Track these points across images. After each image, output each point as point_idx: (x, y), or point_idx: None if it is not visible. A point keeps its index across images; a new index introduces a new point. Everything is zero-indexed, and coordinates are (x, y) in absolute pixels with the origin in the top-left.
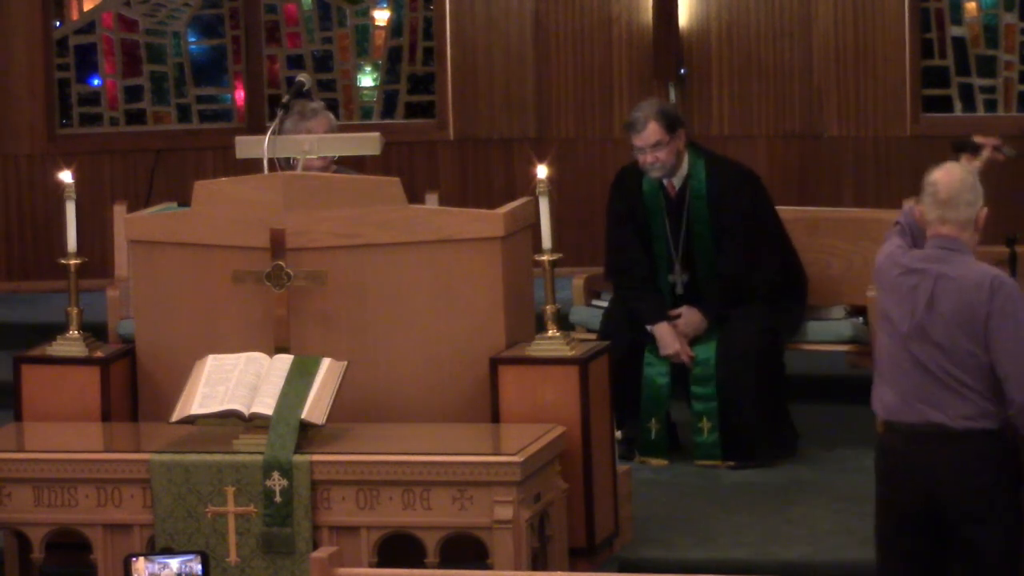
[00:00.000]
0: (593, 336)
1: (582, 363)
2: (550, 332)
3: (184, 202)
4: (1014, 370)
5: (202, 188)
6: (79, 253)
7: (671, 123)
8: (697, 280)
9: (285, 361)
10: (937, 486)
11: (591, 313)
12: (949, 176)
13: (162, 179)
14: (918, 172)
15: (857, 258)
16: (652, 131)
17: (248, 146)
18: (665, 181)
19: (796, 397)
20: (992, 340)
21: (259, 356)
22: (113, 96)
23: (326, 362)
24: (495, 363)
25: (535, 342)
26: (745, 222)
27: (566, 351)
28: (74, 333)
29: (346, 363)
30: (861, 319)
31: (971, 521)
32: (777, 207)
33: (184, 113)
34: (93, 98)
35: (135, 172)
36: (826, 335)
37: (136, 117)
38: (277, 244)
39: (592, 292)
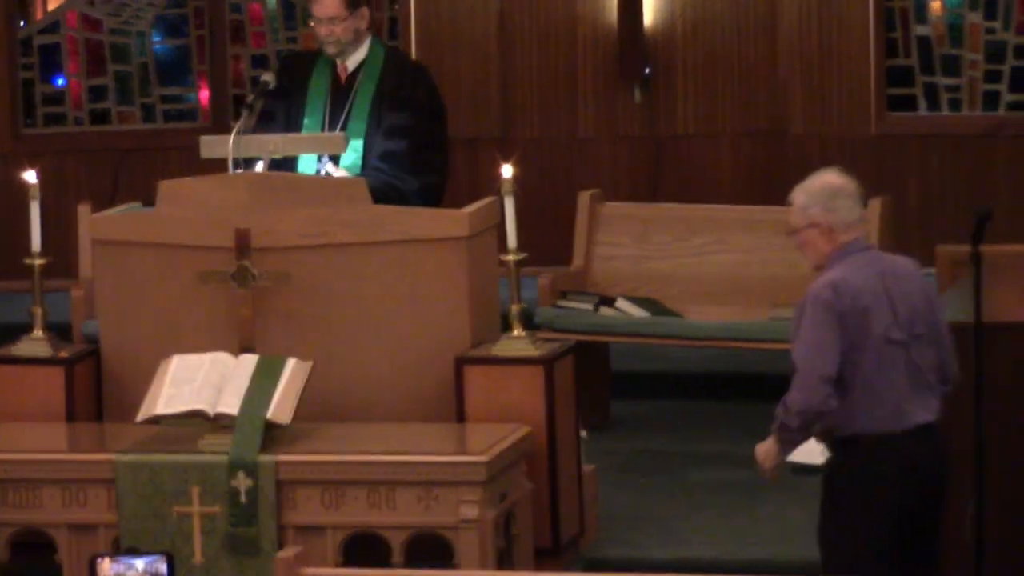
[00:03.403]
0: (558, 336)
1: (547, 363)
2: (515, 332)
3: (149, 202)
4: (950, 345)
5: (167, 188)
6: (43, 253)
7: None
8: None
9: (250, 361)
10: (938, 480)
11: (556, 313)
12: (844, 176)
13: (127, 179)
14: (883, 171)
15: None
16: (331, 4)
17: (213, 146)
18: (338, 63)
19: (761, 396)
20: (940, 322)
21: (224, 356)
22: (77, 96)
23: (291, 362)
24: (460, 363)
25: (500, 342)
26: (415, 120)
27: (531, 351)
28: (38, 333)
29: (311, 363)
30: None
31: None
32: (743, 206)
33: (149, 113)
34: (57, 98)
35: (100, 172)
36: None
37: (101, 117)
38: (242, 244)
39: (557, 292)
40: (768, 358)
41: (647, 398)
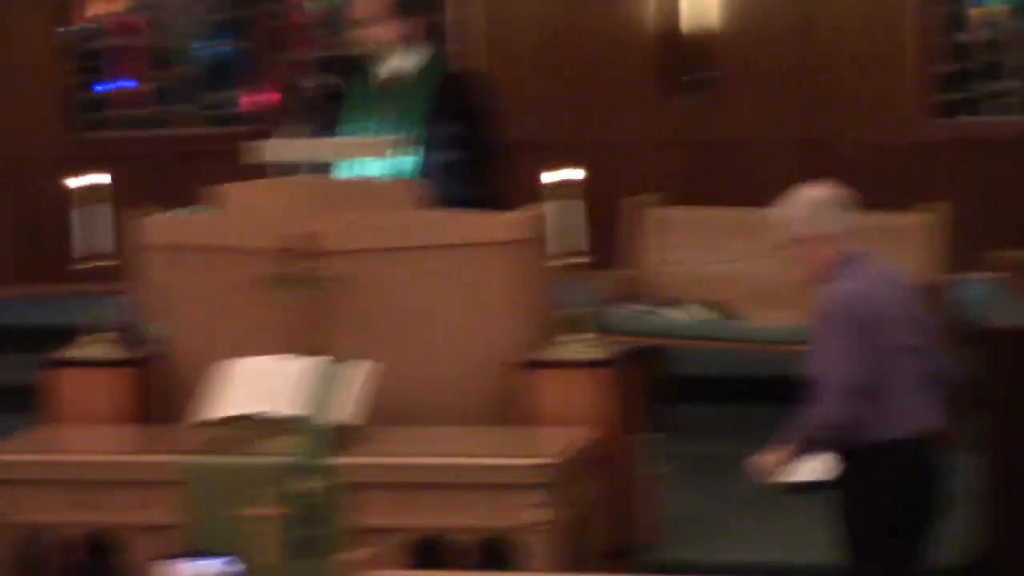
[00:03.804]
0: (623, 339)
1: (615, 365)
2: (581, 335)
3: (199, 206)
4: (946, 351)
5: (224, 191)
6: (97, 257)
7: (404, 4)
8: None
9: (318, 363)
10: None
11: (621, 316)
12: (837, 187)
13: (170, 184)
14: (928, 177)
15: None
16: (370, 3)
17: (258, 150)
18: (387, 67)
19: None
20: (934, 329)
21: (291, 359)
22: (129, 101)
23: (358, 364)
24: (528, 365)
25: (567, 345)
26: (470, 129)
27: (599, 353)
28: (100, 336)
29: (378, 365)
30: None
31: None
32: None
33: (194, 118)
34: (106, 103)
35: (145, 177)
36: None
37: (147, 122)
38: (308, 248)
39: (623, 295)
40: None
41: (711, 402)
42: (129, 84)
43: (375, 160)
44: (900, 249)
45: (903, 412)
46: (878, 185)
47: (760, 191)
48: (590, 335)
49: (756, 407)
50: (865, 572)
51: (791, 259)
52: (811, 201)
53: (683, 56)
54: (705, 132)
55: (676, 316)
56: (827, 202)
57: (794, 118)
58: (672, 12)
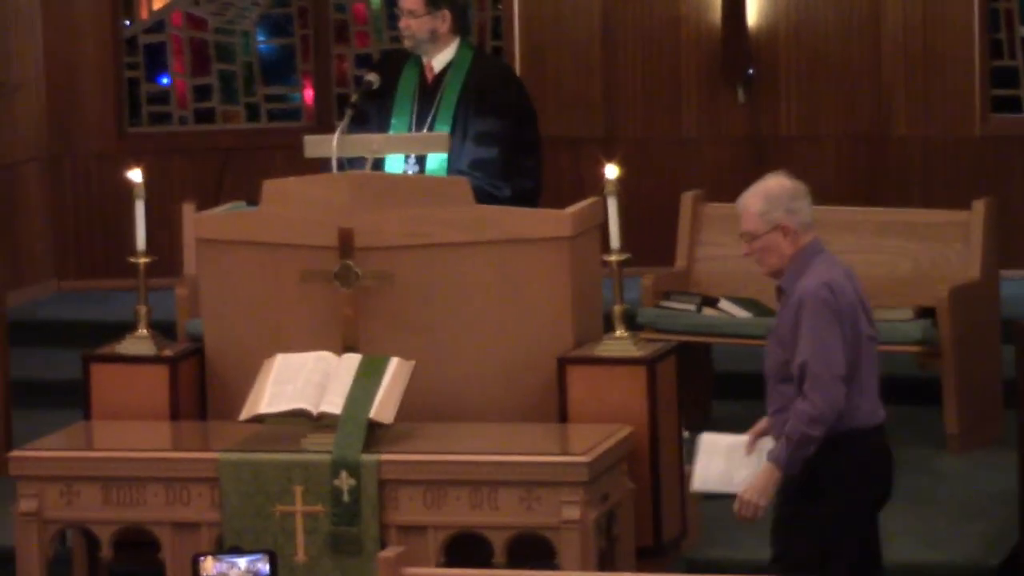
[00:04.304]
0: (660, 336)
1: (650, 363)
2: (618, 332)
3: (253, 201)
4: None
5: (271, 187)
6: (148, 252)
7: None
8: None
9: (353, 360)
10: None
11: (659, 314)
12: (794, 178)
13: (231, 178)
14: (987, 173)
15: (925, 259)
16: None
17: (316, 145)
18: (425, 62)
19: None
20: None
21: (327, 355)
22: (182, 95)
23: (394, 361)
24: (563, 363)
25: (603, 342)
26: (505, 125)
27: (634, 351)
28: (143, 332)
29: (414, 362)
30: (930, 320)
31: None
32: (845, 207)
33: (253, 112)
34: (162, 97)
35: (204, 171)
36: (894, 336)
37: (205, 116)
38: (345, 243)
39: (660, 293)
40: None
41: (749, 399)
42: (190, 78)
43: (402, 156)
44: (947, 245)
45: (871, 399)
46: (942, 180)
47: (823, 187)
48: (628, 332)
49: None
50: (840, 560)
51: (761, 250)
52: (790, 190)
53: (748, 50)
54: (767, 127)
55: (715, 313)
56: (787, 194)
57: (858, 113)
58: (738, 5)
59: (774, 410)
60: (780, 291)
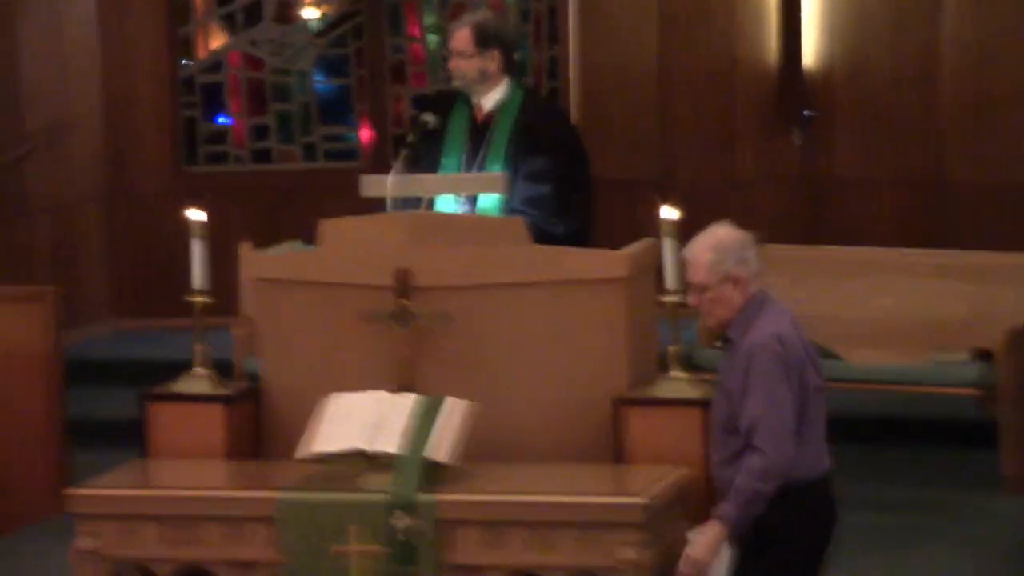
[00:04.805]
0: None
1: (706, 404)
2: (673, 373)
3: (309, 241)
4: None
5: (327, 227)
6: (205, 291)
7: (483, 38)
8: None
9: (410, 400)
10: None
11: (715, 355)
12: (738, 228)
13: (287, 217)
14: None
15: (982, 301)
16: (461, 37)
17: (373, 185)
18: (475, 102)
19: (921, 441)
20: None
21: (384, 395)
22: (239, 135)
23: (451, 401)
24: (618, 403)
25: (658, 383)
26: (557, 163)
27: (689, 392)
28: (200, 370)
29: (472, 403)
30: (987, 362)
31: None
32: (903, 249)
33: (310, 152)
34: (219, 137)
35: (261, 210)
36: (951, 379)
37: (262, 156)
38: (402, 283)
39: (716, 334)
40: (926, 402)
41: None
42: (247, 117)
43: (452, 195)
44: (1004, 287)
45: (817, 450)
46: (997, 223)
47: (878, 229)
48: (684, 373)
49: (847, 445)
50: None
51: (712, 302)
52: (738, 240)
53: (804, 92)
54: (822, 169)
55: None
56: (738, 244)
57: (913, 156)
58: (794, 47)
59: (720, 459)
60: (727, 341)
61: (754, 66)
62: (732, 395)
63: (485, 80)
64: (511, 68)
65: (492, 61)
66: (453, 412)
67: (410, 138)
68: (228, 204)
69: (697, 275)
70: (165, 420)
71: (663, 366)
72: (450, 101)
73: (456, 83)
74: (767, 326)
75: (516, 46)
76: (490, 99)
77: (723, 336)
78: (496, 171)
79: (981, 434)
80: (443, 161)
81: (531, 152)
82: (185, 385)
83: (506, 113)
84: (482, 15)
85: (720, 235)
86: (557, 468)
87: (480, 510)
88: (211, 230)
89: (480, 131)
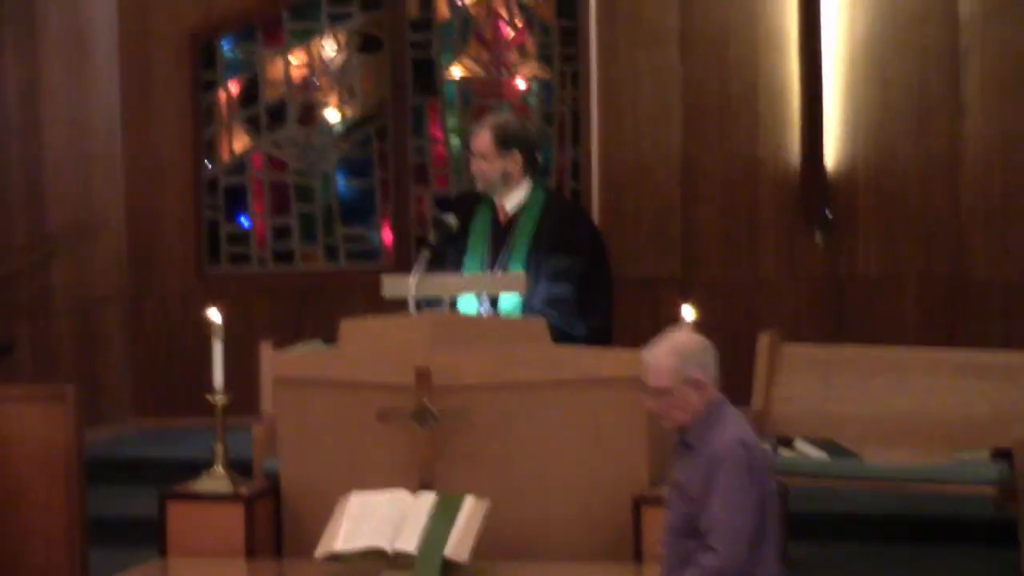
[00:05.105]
0: None
1: None
2: None
3: (330, 340)
4: None
5: (349, 327)
6: (226, 390)
7: (504, 140)
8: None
9: (429, 499)
10: None
11: None
12: (696, 333)
13: (309, 317)
14: None
15: (1004, 401)
16: (482, 139)
17: (394, 286)
18: (497, 203)
19: (941, 540)
20: None
21: (403, 494)
22: (262, 236)
23: (469, 500)
24: (638, 502)
25: None
26: (578, 263)
27: None
28: (219, 470)
29: (488, 501)
30: (1006, 461)
31: None
32: (923, 348)
33: (332, 253)
34: (242, 237)
35: (282, 311)
36: (971, 477)
37: (284, 256)
38: (422, 383)
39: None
40: (948, 501)
41: (826, 540)
42: (270, 218)
43: (474, 295)
44: None
45: (771, 556)
46: (1016, 322)
47: (901, 328)
48: None
49: (867, 543)
50: None
51: (671, 406)
52: (699, 344)
53: (826, 192)
54: (845, 268)
55: (791, 454)
56: (699, 349)
57: (937, 255)
58: (817, 147)
59: (672, 563)
60: (684, 445)
61: (777, 165)
62: (692, 498)
63: (507, 181)
64: (533, 169)
65: (513, 163)
66: (472, 511)
67: (431, 239)
68: (250, 304)
69: (660, 379)
70: (184, 519)
71: None
72: (473, 202)
73: (479, 185)
74: (730, 432)
75: (538, 147)
76: (512, 200)
77: (680, 440)
78: (517, 271)
79: (1001, 533)
80: (466, 261)
81: (553, 252)
82: (204, 484)
83: (528, 214)
84: (503, 117)
85: (681, 340)
86: (577, 567)
87: None
88: (233, 330)
89: (503, 232)
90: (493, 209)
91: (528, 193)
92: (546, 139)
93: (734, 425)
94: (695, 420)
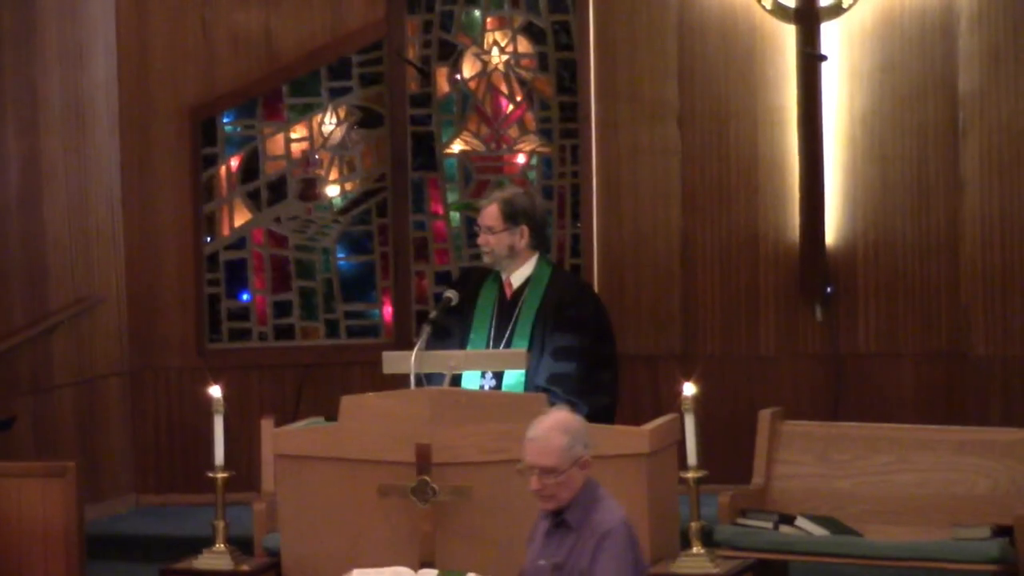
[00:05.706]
0: (738, 554)
1: None
2: (695, 549)
3: (331, 416)
4: None
5: (349, 403)
6: (226, 467)
7: (511, 215)
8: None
9: (430, 575)
10: None
11: (736, 531)
12: (573, 413)
13: (310, 394)
14: None
15: (1004, 478)
16: (489, 213)
17: (395, 361)
18: (504, 278)
19: None
20: None
21: (404, 571)
22: (262, 311)
23: None
24: None
25: (680, 559)
26: (583, 340)
27: (711, 568)
28: (220, 547)
29: None
30: (1007, 539)
31: None
32: (923, 426)
33: (332, 328)
34: (242, 313)
35: (283, 387)
36: (972, 555)
37: (285, 332)
38: (423, 459)
39: (737, 510)
40: None
41: None
42: (270, 294)
43: (478, 371)
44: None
45: None
46: (1016, 399)
47: (901, 405)
48: (705, 549)
49: None
50: None
51: (558, 485)
52: (581, 425)
53: (826, 269)
54: (845, 345)
55: (792, 531)
56: (583, 428)
57: (937, 332)
58: (816, 224)
59: None
60: (561, 524)
61: (776, 242)
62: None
63: (514, 256)
64: (540, 244)
65: (520, 237)
66: None
67: (432, 314)
68: (250, 380)
69: (549, 459)
70: None
71: (685, 542)
72: (481, 277)
73: (485, 259)
74: (613, 510)
75: (545, 222)
76: (519, 275)
77: (554, 521)
78: (521, 347)
79: None
80: (471, 336)
81: (558, 329)
82: (205, 561)
83: (534, 289)
84: (511, 191)
85: (566, 419)
86: None
87: None
88: (233, 406)
89: (509, 306)
90: (500, 283)
91: (534, 268)
92: (548, 214)
93: (615, 504)
94: (575, 499)
